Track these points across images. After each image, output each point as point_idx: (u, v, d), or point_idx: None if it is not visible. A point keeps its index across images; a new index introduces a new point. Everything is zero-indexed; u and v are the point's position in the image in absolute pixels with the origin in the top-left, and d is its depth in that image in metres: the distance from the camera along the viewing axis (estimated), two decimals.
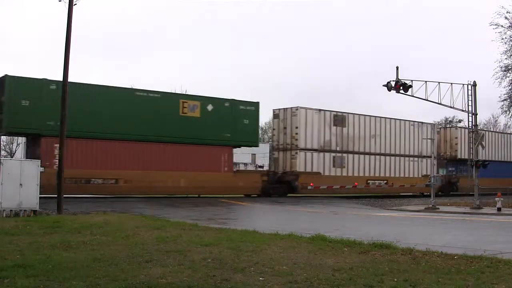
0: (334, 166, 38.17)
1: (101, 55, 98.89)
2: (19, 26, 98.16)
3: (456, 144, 47.13)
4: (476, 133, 30.48)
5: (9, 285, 7.27)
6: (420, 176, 43.32)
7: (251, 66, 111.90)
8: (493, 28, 37.55)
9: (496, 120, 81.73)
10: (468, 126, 31.24)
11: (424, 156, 43.07)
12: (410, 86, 28.30)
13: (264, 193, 34.99)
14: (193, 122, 31.74)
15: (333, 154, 38.15)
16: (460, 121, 75.11)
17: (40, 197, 19.04)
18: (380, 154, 41.19)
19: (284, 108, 37.82)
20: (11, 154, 67.64)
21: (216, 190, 33.01)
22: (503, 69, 38.69)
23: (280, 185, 35.80)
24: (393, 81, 27.86)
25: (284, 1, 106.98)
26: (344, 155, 38.83)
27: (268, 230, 14.01)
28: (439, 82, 29.18)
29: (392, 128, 42.19)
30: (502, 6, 38.36)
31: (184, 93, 33.12)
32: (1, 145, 53.27)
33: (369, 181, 40.10)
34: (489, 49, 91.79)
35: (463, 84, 30.01)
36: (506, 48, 38.13)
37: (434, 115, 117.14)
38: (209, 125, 32.24)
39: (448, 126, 50.00)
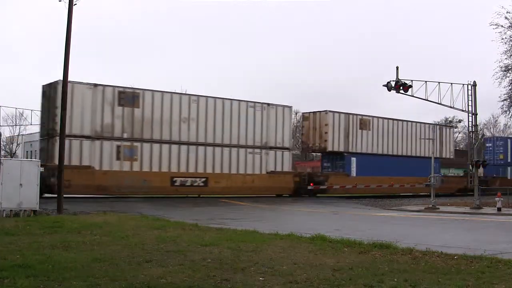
0: (119, 158, 29.30)
1: (101, 55, 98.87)
2: (19, 26, 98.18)
3: (326, 133, 37.20)
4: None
5: (9, 285, 7.27)
6: (264, 172, 34.45)
7: (252, 66, 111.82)
8: (493, 28, 37.53)
9: (496, 120, 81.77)
10: (468, 126, 31.29)
11: (272, 148, 34.55)
12: (410, 86, 28.30)
13: None
14: None
15: (117, 143, 29.25)
16: (460, 121, 75.33)
17: (40, 197, 19.04)
18: (197, 144, 31.80)
19: (52, 82, 28.57)
20: (11, 154, 67.70)
21: None
22: (503, 69, 38.68)
23: None
24: (393, 81, 27.85)
25: (284, 0, 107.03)
26: (137, 144, 29.82)
27: (268, 230, 14.02)
28: (439, 82, 29.21)
29: (218, 111, 32.57)
30: (502, 6, 38.30)
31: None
32: (1, 145, 53.30)
33: (175, 179, 30.85)
34: (489, 49, 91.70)
35: (463, 84, 30.04)
36: (506, 48, 38.14)
37: (434, 115, 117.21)
38: None
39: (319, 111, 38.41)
